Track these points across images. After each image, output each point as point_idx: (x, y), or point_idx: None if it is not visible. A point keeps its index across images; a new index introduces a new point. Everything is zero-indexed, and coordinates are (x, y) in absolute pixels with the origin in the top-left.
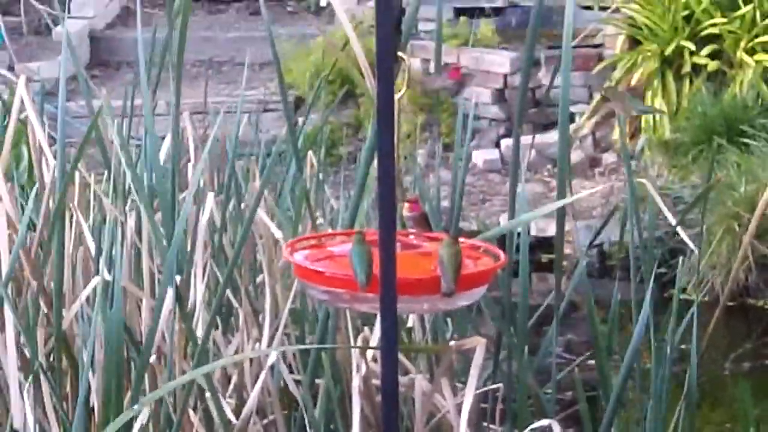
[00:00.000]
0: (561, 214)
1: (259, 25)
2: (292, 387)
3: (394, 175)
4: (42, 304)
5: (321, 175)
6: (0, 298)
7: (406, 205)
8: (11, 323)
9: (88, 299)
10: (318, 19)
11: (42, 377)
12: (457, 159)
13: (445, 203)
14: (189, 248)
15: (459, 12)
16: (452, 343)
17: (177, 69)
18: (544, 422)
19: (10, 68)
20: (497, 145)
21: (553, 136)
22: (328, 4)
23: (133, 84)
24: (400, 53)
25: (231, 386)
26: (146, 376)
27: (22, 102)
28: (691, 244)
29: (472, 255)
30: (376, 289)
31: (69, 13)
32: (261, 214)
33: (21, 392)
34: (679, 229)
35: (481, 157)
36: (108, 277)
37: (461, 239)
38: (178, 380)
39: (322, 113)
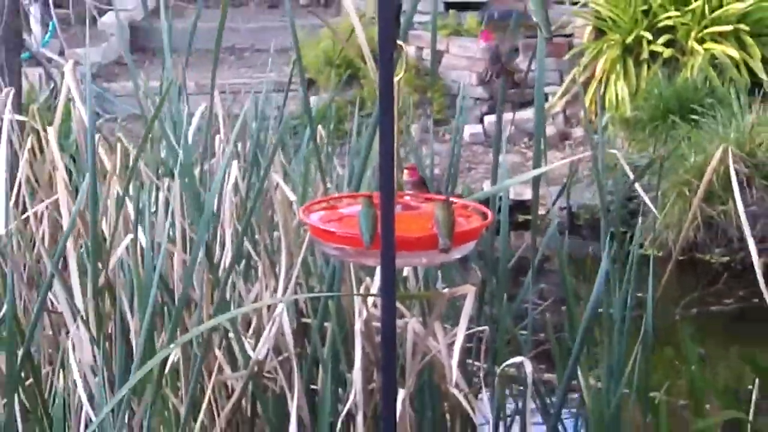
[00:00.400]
0: (536, 181)
1: (276, 17)
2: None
3: (394, 146)
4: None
5: (329, 147)
6: (64, 247)
7: (406, 171)
8: (75, 272)
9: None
10: (327, 12)
11: (91, 317)
12: (453, 132)
13: (436, 171)
14: (216, 209)
15: (448, 6)
16: (446, 290)
17: (215, 54)
18: (519, 359)
19: (61, 53)
20: (481, 120)
21: (529, 113)
22: None
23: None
24: (398, 41)
25: (251, 329)
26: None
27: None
28: (649, 204)
29: (463, 214)
30: (379, 246)
31: (111, 5)
32: (277, 178)
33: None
34: (637, 186)
35: (467, 131)
36: (143, 236)
37: (453, 200)
38: (207, 323)
39: (330, 93)
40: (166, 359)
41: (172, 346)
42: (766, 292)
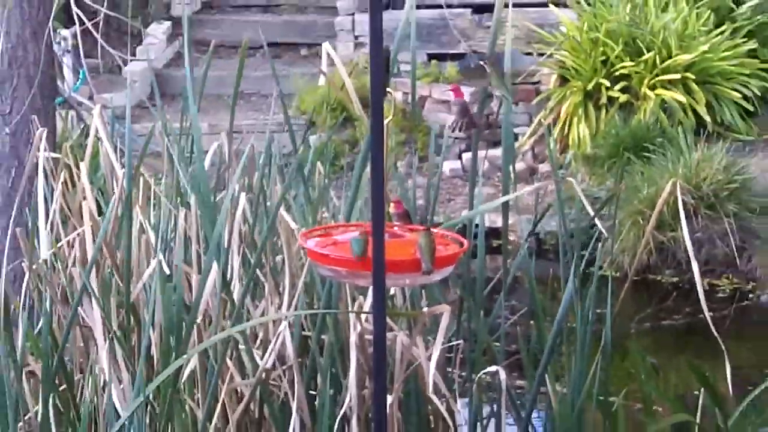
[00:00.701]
0: (505, 208)
1: (279, 67)
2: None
3: (384, 180)
4: (117, 278)
5: (326, 180)
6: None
7: (392, 204)
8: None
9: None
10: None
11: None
12: (431, 168)
13: (420, 201)
14: (227, 236)
15: (431, 57)
16: (426, 309)
17: (233, 99)
18: (494, 368)
19: (90, 98)
20: (459, 157)
21: (501, 151)
22: (335, 48)
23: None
24: (388, 88)
25: (258, 341)
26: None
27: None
28: (604, 231)
29: (442, 242)
30: (369, 267)
31: (135, 56)
32: (283, 213)
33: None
34: (596, 219)
35: (447, 166)
36: (164, 260)
37: (434, 230)
38: (219, 335)
39: (327, 133)
40: (184, 368)
41: (185, 356)
42: (706, 309)
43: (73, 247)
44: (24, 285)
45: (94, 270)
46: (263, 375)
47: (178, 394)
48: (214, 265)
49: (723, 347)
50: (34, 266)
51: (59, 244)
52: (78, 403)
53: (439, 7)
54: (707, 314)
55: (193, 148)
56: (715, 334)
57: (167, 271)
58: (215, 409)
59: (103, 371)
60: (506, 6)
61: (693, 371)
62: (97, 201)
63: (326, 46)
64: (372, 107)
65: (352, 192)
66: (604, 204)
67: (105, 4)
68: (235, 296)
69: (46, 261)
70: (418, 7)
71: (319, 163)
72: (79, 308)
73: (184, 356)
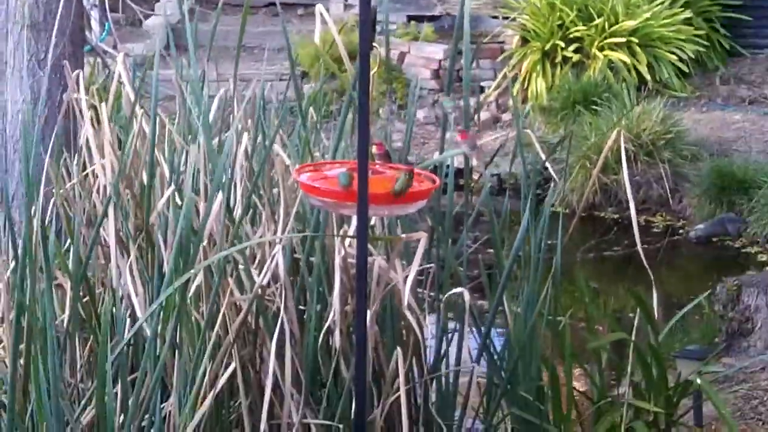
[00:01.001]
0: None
1: (278, 23)
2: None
3: (369, 122)
4: (134, 205)
5: (318, 124)
6: (109, 198)
7: (374, 146)
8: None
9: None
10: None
11: (133, 253)
12: (408, 115)
13: (399, 144)
14: (231, 169)
15: (410, 18)
16: (403, 235)
17: (237, 50)
18: (459, 290)
19: (114, 47)
20: (433, 106)
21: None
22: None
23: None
24: (373, 44)
25: (256, 262)
26: (200, 252)
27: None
28: (554, 174)
29: (417, 179)
30: (353, 198)
31: (154, 11)
32: (277, 148)
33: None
34: (548, 163)
35: (422, 113)
36: (175, 189)
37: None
38: (220, 254)
39: (319, 82)
40: (191, 282)
41: (192, 270)
42: (639, 243)
43: (97, 177)
44: (54, 209)
45: (114, 197)
46: (259, 291)
47: (186, 305)
48: (219, 194)
49: (652, 277)
50: (61, 192)
51: (84, 173)
52: (99, 314)
53: None
54: (640, 248)
55: (203, 92)
56: (646, 265)
57: (178, 201)
58: (217, 319)
59: (120, 285)
60: None
61: (630, 295)
62: (119, 137)
63: (319, 7)
64: (359, 60)
65: (338, 133)
66: (554, 148)
67: None
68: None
69: (73, 188)
70: None
71: (311, 109)
72: (102, 230)
73: (191, 271)
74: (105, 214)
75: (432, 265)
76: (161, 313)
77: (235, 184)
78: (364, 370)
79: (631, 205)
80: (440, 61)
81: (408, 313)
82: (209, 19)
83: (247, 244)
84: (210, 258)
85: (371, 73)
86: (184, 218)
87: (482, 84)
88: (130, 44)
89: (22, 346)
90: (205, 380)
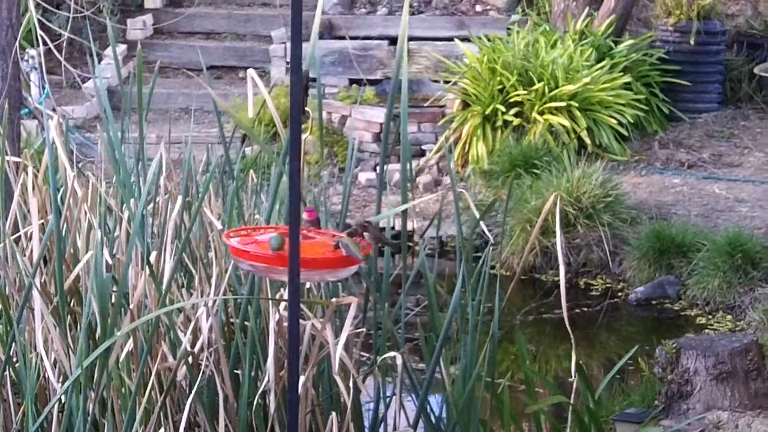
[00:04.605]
0: (404, 214)
1: (220, 87)
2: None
3: (300, 188)
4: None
5: (258, 186)
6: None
7: (305, 213)
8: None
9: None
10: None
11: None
12: (347, 178)
13: (339, 207)
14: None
15: (352, 81)
16: (334, 300)
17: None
18: (393, 354)
19: (53, 110)
20: (374, 169)
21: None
22: (267, 72)
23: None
24: (306, 108)
25: (191, 327)
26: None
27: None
28: (488, 235)
29: (363, 242)
30: (284, 263)
31: (94, 74)
32: (208, 213)
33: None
34: (481, 224)
35: (364, 176)
36: (107, 254)
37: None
38: (146, 317)
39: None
40: (122, 347)
41: (117, 333)
42: (565, 306)
43: (30, 239)
44: None
45: (42, 262)
46: (188, 354)
47: (110, 371)
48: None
49: (572, 339)
50: None
51: (13, 237)
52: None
53: (364, 38)
54: (565, 311)
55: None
56: (569, 329)
57: (110, 262)
58: (149, 383)
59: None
60: (418, 40)
61: (569, 359)
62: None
63: (251, 72)
64: (290, 124)
65: (271, 198)
66: (488, 208)
67: (69, 28)
68: (164, 283)
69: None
70: (344, 38)
71: (252, 172)
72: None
73: (116, 335)
74: (31, 285)
75: (363, 330)
76: (93, 377)
77: (166, 244)
78: None
79: (561, 269)
80: (381, 124)
81: (338, 379)
82: (148, 82)
83: (172, 307)
84: (135, 322)
85: (304, 137)
86: (113, 282)
87: (423, 147)
88: (69, 107)
89: None
90: None
